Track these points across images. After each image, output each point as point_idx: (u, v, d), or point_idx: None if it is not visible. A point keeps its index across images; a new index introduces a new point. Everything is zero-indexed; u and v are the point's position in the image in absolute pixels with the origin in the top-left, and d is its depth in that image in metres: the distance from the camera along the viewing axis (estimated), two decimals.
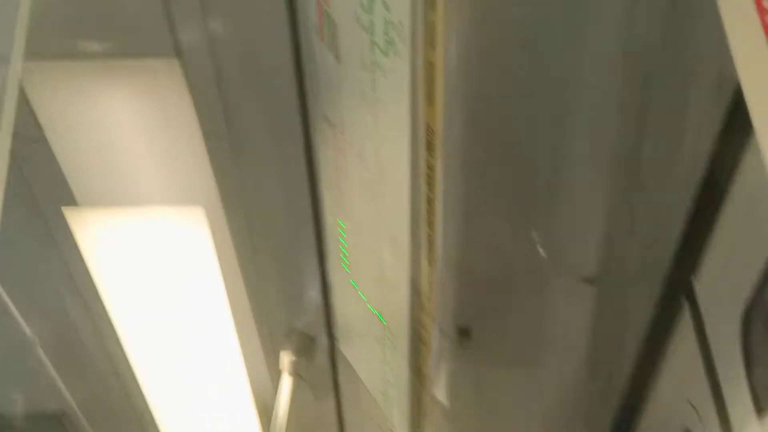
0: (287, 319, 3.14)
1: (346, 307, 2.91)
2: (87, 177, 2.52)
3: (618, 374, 3.06)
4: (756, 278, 2.05)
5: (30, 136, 2.41)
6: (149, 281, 2.80)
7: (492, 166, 2.38)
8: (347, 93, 2.12)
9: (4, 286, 2.91)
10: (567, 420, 3.33)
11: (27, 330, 3.09)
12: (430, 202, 2.05)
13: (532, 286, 2.74)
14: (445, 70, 1.79)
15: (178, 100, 2.31)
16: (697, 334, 2.49)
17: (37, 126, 2.40)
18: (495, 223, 2.52)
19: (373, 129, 2.07)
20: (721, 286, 2.33)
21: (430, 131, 1.89)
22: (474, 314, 2.84)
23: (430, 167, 1.97)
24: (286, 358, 3.15)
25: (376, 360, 2.79)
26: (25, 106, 2.34)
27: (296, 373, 3.17)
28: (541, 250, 2.58)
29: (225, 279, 2.80)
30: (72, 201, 2.58)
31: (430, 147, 1.93)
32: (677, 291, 2.56)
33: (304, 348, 3.17)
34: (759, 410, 2.17)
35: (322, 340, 3.19)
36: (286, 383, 3.16)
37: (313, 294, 2.98)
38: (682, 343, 2.62)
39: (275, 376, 3.24)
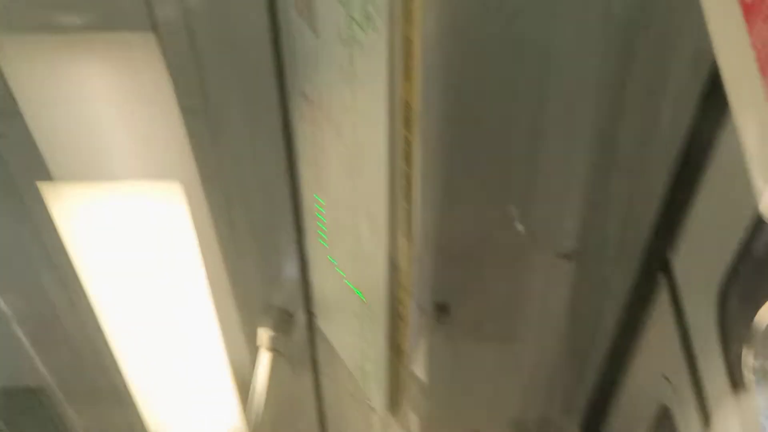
0: (265, 295, 3.13)
1: (324, 283, 2.91)
2: (62, 151, 2.50)
3: (595, 349, 3.08)
4: (732, 254, 2.06)
5: (5, 111, 2.38)
6: (126, 257, 2.79)
7: (470, 141, 2.38)
8: (325, 68, 2.11)
9: None
10: (544, 394, 3.35)
11: (3, 305, 3.07)
12: (407, 177, 2.05)
13: (510, 262, 2.75)
14: (423, 45, 1.79)
15: (155, 75, 2.30)
16: (673, 310, 2.50)
17: (12, 100, 2.38)
18: (473, 198, 2.52)
19: (350, 104, 2.06)
20: (697, 261, 2.34)
21: (407, 107, 1.89)
22: (452, 290, 2.84)
23: (408, 143, 1.96)
24: (264, 334, 3.15)
25: (354, 335, 2.79)
26: None
27: (274, 349, 3.17)
28: (519, 226, 2.59)
29: (203, 255, 2.79)
30: (47, 176, 2.56)
31: (407, 122, 1.92)
32: (654, 266, 2.57)
33: (282, 324, 3.17)
34: (734, 385, 2.19)
35: (300, 316, 3.19)
36: (264, 359, 3.16)
37: (291, 270, 2.97)
38: (659, 318, 2.64)
39: (254, 351, 3.24)
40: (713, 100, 2.07)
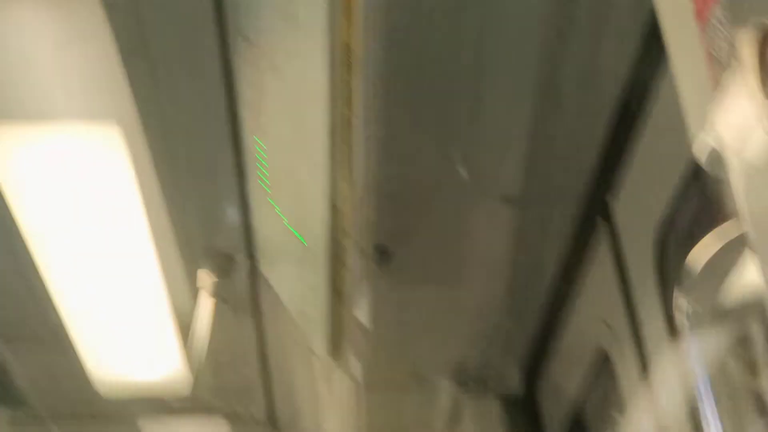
0: (207, 238, 3.11)
1: (266, 227, 2.90)
2: None
3: (535, 294, 3.10)
4: (669, 199, 2.08)
5: None
6: (65, 199, 2.75)
7: (412, 84, 2.36)
8: (266, 11, 2.09)
9: None
10: (485, 338, 3.37)
11: None
12: (348, 120, 2.04)
13: (453, 206, 2.75)
14: None
15: (91, 15, 2.25)
16: (612, 254, 2.53)
17: None
18: (415, 142, 2.51)
19: (292, 47, 2.05)
20: (636, 206, 2.36)
21: (348, 49, 1.88)
22: (394, 234, 2.84)
23: (349, 86, 1.95)
24: (205, 277, 3.14)
25: (295, 279, 2.79)
26: None
27: (215, 293, 3.16)
28: (461, 170, 2.58)
29: (143, 197, 2.76)
30: None
31: (348, 65, 1.91)
32: (594, 211, 2.59)
33: (224, 268, 3.15)
34: (671, 330, 2.22)
35: (243, 260, 3.17)
36: (205, 302, 3.15)
37: (233, 213, 2.96)
38: (598, 263, 2.66)
39: (195, 295, 3.23)
40: (654, 47, 2.07)
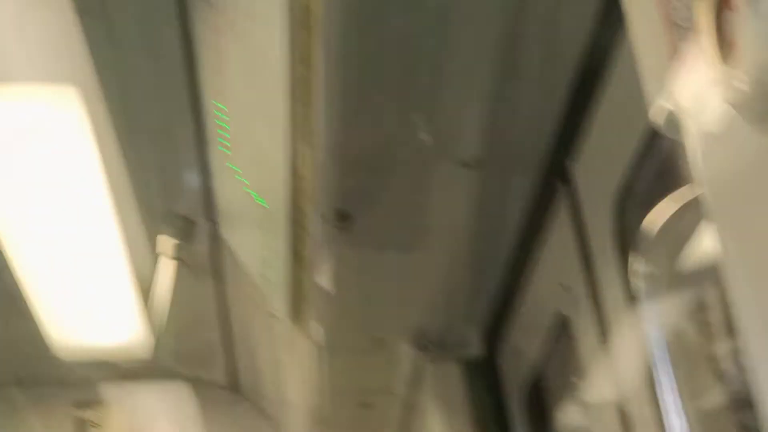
0: (167, 202, 3.10)
1: (227, 191, 2.89)
2: None
3: (496, 258, 3.11)
4: (628, 163, 2.09)
5: None
6: (21, 162, 2.72)
7: (372, 46, 2.35)
8: None
9: None
10: (446, 303, 3.39)
11: None
12: (307, 82, 2.03)
13: (413, 170, 2.74)
14: None
15: None
16: (571, 218, 2.54)
17: None
18: (376, 105, 2.50)
19: (251, 8, 2.03)
20: (595, 169, 2.37)
21: (307, 10, 1.86)
22: (354, 198, 2.83)
23: (308, 47, 1.94)
24: (165, 242, 3.13)
25: (256, 243, 2.79)
26: None
27: (176, 256, 3.15)
28: (422, 134, 2.58)
29: (102, 161, 2.74)
30: None
31: (307, 26, 1.90)
32: (554, 175, 2.60)
33: (185, 231, 3.14)
34: (630, 294, 2.23)
35: (203, 224, 3.16)
36: (166, 266, 3.14)
37: (193, 177, 2.94)
38: (558, 227, 2.67)
39: (156, 259, 3.22)
40: (614, 11, 2.07)
